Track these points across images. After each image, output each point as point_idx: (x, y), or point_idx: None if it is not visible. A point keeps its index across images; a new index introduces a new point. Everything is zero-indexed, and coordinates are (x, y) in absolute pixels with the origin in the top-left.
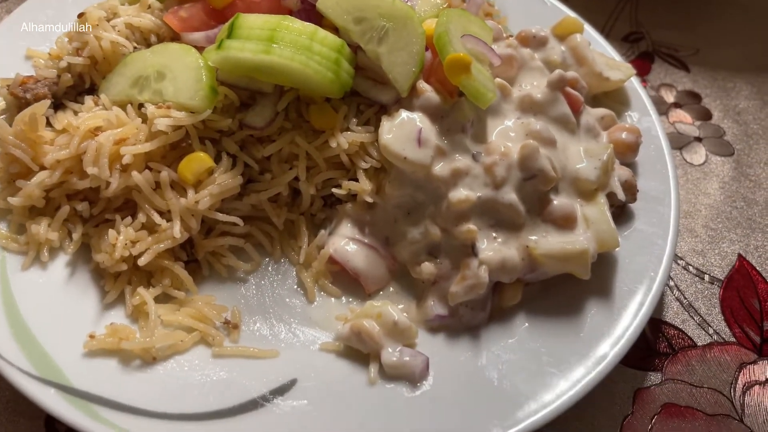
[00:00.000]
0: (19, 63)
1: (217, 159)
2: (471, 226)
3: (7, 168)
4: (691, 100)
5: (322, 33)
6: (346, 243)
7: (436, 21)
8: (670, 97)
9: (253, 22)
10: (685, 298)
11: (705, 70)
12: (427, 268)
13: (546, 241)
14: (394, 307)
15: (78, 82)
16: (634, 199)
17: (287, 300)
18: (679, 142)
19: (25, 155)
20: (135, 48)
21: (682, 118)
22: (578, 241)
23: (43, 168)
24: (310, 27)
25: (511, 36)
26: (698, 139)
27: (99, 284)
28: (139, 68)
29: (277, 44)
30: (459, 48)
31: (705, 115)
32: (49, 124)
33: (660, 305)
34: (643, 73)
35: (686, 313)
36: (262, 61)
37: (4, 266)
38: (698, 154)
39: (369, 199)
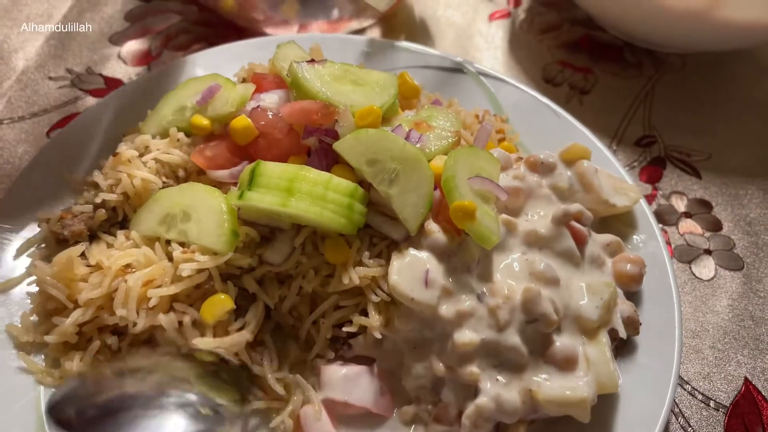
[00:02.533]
0: (59, 188)
1: (239, 298)
2: (474, 369)
3: (44, 304)
4: (701, 209)
5: (336, 180)
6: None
7: (444, 163)
8: (681, 206)
9: (272, 171)
10: (690, 426)
11: (717, 176)
12: (427, 410)
13: (548, 385)
14: None
15: (112, 215)
16: (637, 333)
17: None
18: (688, 256)
19: (60, 294)
20: (164, 183)
21: (692, 229)
22: (579, 388)
23: (76, 304)
24: (324, 176)
25: (521, 159)
26: (708, 252)
27: None
28: (167, 206)
29: (294, 196)
30: (465, 191)
31: (715, 226)
32: (84, 254)
33: None
34: (654, 180)
35: None
36: (280, 212)
37: (39, 400)
38: (707, 268)
39: (378, 336)
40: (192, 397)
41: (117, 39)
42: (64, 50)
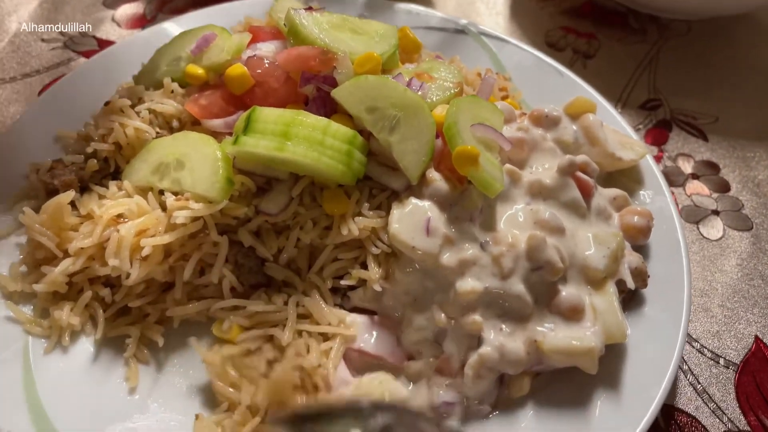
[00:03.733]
0: (49, 143)
1: (231, 249)
2: (477, 317)
3: (33, 253)
4: (709, 170)
5: (335, 126)
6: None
7: (447, 110)
8: (687, 168)
9: (268, 116)
10: (699, 383)
11: (724, 139)
12: (429, 362)
13: (553, 335)
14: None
15: (103, 166)
16: (645, 285)
17: None
18: (696, 216)
19: (50, 242)
20: (157, 133)
21: (700, 190)
22: (586, 338)
23: (66, 254)
24: (322, 121)
25: (524, 114)
26: (716, 213)
27: (118, 369)
28: (161, 155)
29: (291, 140)
30: (468, 138)
31: (723, 187)
32: (75, 206)
33: (673, 390)
34: (660, 142)
35: (700, 399)
36: (276, 157)
37: (27, 350)
38: (715, 228)
39: (378, 288)
40: None
41: (111, 2)
42: (57, 13)
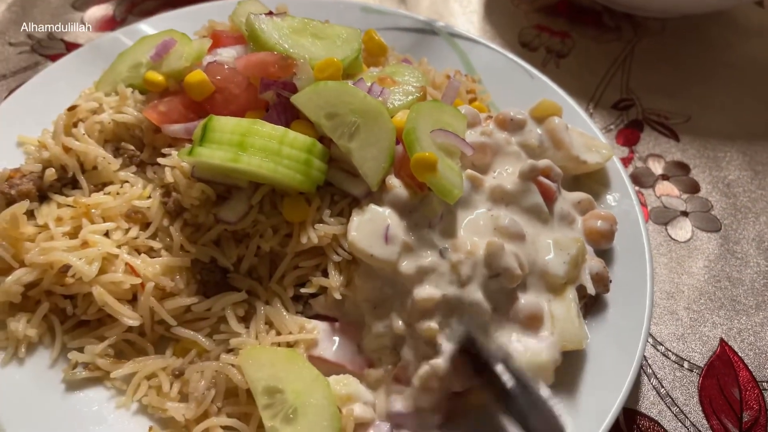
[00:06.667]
0: (11, 149)
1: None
2: (432, 324)
3: None
4: (679, 171)
5: (292, 135)
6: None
7: (407, 116)
8: (658, 169)
9: (224, 125)
10: (663, 387)
11: (695, 139)
12: (388, 370)
13: (511, 347)
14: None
15: (62, 175)
16: (607, 290)
17: None
18: (664, 217)
19: (5, 253)
20: (120, 147)
21: (669, 191)
22: (542, 349)
23: (23, 264)
24: (279, 130)
25: (491, 117)
26: (684, 214)
27: (76, 381)
28: (288, 376)
29: (247, 151)
30: (427, 144)
31: (693, 188)
32: (33, 215)
33: (636, 394)
34: (631, 142)
35: (663, 402)
36: (232, 168)
37: None
38: (684, 229)
39: (338, 296)
40: None
41: (80, 4)
42: (25, 16)
